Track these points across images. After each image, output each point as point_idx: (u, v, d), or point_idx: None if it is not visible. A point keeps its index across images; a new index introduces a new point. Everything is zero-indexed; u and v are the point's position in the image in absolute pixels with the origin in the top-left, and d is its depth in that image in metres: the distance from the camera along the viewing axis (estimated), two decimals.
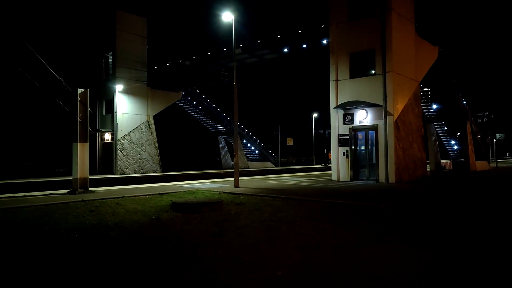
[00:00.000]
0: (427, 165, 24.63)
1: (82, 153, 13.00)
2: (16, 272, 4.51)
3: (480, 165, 28.74)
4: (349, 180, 17.70)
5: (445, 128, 29.17)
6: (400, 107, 17.32)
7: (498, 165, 37.95)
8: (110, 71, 29.46)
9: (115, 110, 28.47)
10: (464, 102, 27.96)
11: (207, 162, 43.64)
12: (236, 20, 15.75)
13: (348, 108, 17.91)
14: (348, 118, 17.98)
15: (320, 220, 7.57)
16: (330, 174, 19.54)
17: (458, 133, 28.64)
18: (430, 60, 21.84)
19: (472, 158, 27.36)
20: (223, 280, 4.11)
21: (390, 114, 16.66)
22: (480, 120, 36.65)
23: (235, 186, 14.68)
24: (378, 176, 16.84)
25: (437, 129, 29.12)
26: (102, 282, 4.13)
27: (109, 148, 29.05)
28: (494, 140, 40.70)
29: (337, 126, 18.39)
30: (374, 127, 17.17)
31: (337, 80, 18.36)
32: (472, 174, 23.36)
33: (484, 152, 32.64)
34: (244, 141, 42.10)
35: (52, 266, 4.72)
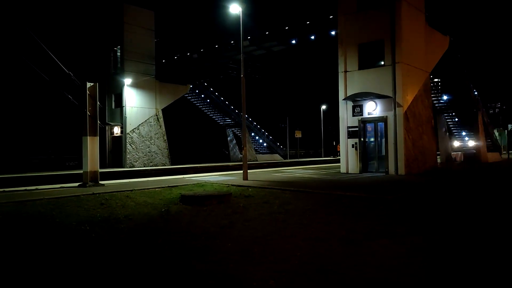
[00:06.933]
0: (438, 156, 24.36)
1: (92, 147, 13.13)
2: (30, 263, 4.59)
3: (492, 156, 28.34)
4: (358, 172, 17.61)
5: (456, 119, 28.77)
6: (409, 98, 17.11)
7: (511, 156, 37.39)
8: (119, 64, 29.53)
9: (124, 104, 28.61)
10: (476, 93, 27.51)
11: (215, 155, 43.70)
12: (243, 12, 15.65)
13: (357, 100, 17.75)
14: (357, 109, 17.83)
15: (328, 213, 7.56)
16: (339, 167, 19.46)
17: (469, 125, 28.20)
18: (441, 50, 21.47)
19: (484, 149, 26.98)
20: (231, 271, 4.14)
21: (399, 106, 16.48)
22: (492, 111, 36.08)
23: (244, 179, 14.71)
24: (388, 168, 16.72)
25: (448, 120, 28.73)
26: (113, 273, 4.19)
27: (119, 142, 29.26)
28: (506, 131, 40.08)
29: (346, 118, 18.27)
30: (383, 119, 17.01)
31: (345, 71, 18.19)
32: (484, 166, 23.06)
33: (495, 143, 32.16)
34: (252, 134, 42.06)
35: (65, 257, 4.80)
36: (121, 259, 4.70)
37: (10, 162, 26.63)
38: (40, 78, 13.04)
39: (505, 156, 36.03)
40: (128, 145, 28.36)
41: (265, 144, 43.73)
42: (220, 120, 40.12)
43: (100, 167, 13.93)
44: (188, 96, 36.96)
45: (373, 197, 9.62)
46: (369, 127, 17.79)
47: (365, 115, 17.60)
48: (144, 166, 28.60)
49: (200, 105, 39.04)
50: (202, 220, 6.99)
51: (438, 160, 25.00)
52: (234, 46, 25.97)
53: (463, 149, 28.76)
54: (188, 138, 49.24)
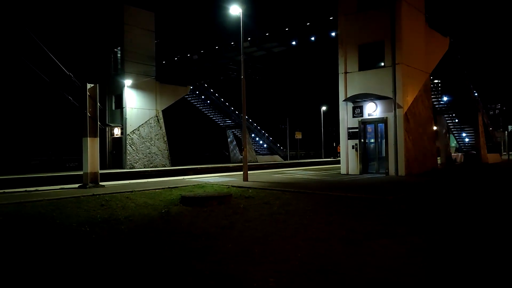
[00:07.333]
0: (438, 157, 24.35)
1: (92, 148, 13.13)
2: (31, 264, 4.59)
3: (492, 157, 28.32)
4: (359, 173, 17.61)
5: (456, 120, 28.77)
6: (410, 99, 17.12)
7: (511, 157, 37.36)
8: (119, 65, 29.55)
9: (124, 105, 28.62)
10: (476, 94, 27.50)
11: (215, 156, 43.74)
12: (243, 13, 15.67)
13: (357, 101, 17.76)
14: (357, 111, 17.84)
15: (329, 213, 7.56)
16: (339, 168, 19.46)
17: (470, 125, 28.21)
18: (441, 51, 21.49)
19: (484, 150, 26.96)
20: (232, 271, 4.14)
21: (399, 107, 16.48)
22: (492, 112, 36.02)
23: (244, 180, 14.71)
24: (388, 169, 16.71)
25: (448, 121, 28.73)
26: (114, 274, 4.19)
27: (119, 143, 29.27)
28: (506, 132, 40.07)
29: (346, 119, 18.27)
30: (383, 120, 17.02)
31: (346, 72, 18.19)
32: (484, 167, 23.06)
33: (496, 144, 32.14)
34: (253, 135, 42.07)
35: (65, 258, 4.80)
36: (122, 260, 4.70)
37: (10, 163, 26.62)
38: (40, 80, 13.06)
39: (505, 157, 36.01)
40: (128, 146, 28.37)
41: (265, 145, 43.74)
42: (220, 121, 40.14)
43: (100, 168, 13.93)
44: (188, 97, 36.99)
45: (373, 197, 9.62)
46: (369, 128, 17.79)
47: (365, 116, 17.61)
48: (144, 167, 28.60)
49: (200, 106, 39.06)
50: (202, 221, 6.99)
51: (438, 161, 24.99)
52: (234, 47, 26.00)
53: (463, 150, 28.75)
54: (188, 139, 49.27)
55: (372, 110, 17.29)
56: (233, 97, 38.25)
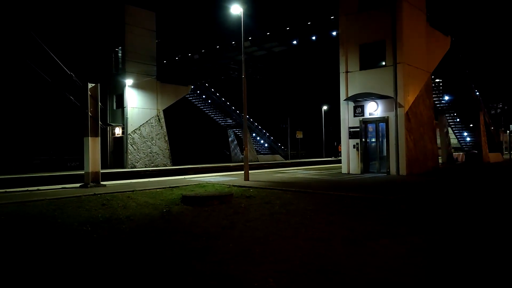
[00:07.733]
0: (439, 157, 24.32)
1: (93, 147, 13.15)
2: (32, 263, 4.60)
3: (493, 157, 28.29)
4: (360, 173, 17.60)
5: (458, 119, 28.72)
6: (411, 98, 17.10)
7: None
8: (120, 65, 29.57)
9: (125, 105, 28.64)
10: (477, 93, 27.46)
11: (216, 156, 43.70)
12: (244, 13, 15.67)
13: (358, 100, 17.75)
14: (359, 110, 17.83)
15: (329, 213, 7.56)
16: (340, 167, 19.46)
17: (471, 125, 28.17)
18: (442, 50, 21.46)
19: (485, 149, 26.93)
20: (232, 272, 4.15)
21: (401, 106, 16.47)
22: (493, 111, 35.95)
23: (245, 179, 14.71)
24: (389, 169, 16.71)
25: (449, 120, 28.69)
26: (114, 274, 4.20)
27: (120, 142, 29.30)
28: (508, 131, 40.00)
29: (347, 119, 18.26)
30: (384, 119, 17.01)
31: (347, 72, 18.18)
32: (485, 166, 23.03)
33: (497, 143, 32.08)
34: (254, 134, 42.06)
35: (67, 257, 4.81)
36: (123, 260, 4.72)
37: (11, 163, 26.68)
38: (42, 79, 13.08)
39: (506, 156, 35.94)
40: (129, 145, 28.40)
41: (266, 145, 43.73)
42: (221, 120, 40.15)
43: (102, 168, 13.94)
44: (189, 96, 37.00)
45: (374, 197, 9.62)
46: (371, 127, 17.78)
47: (366, 115, 17.59)
48: (145, 167, 28.63)
49: (201, 106, 39.07)
50: (203, 221, 7.00)
51: (440, 160, 24.97)
52: (235, 47, 25.99)
53: (464, 149, 28.71)
54: (189, 138, 49.22)
55: (373, 109, 17.28)
56: (234, 97, 38.22)
